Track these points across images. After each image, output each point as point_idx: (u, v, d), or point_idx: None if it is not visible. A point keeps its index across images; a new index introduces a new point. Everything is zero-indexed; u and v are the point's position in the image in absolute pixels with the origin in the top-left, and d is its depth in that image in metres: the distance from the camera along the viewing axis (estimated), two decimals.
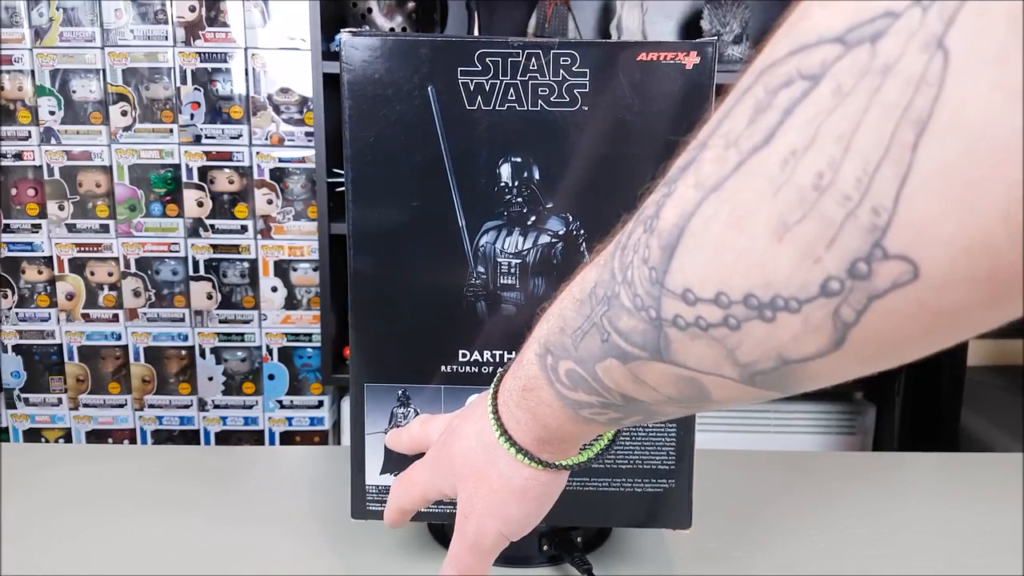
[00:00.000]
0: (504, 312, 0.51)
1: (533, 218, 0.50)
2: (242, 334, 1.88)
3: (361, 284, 0.51)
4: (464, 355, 0.52)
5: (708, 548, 0.61)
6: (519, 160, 0.49)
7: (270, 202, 1.83)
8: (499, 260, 0.50)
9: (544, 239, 0.50)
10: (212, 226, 1.84)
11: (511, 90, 0.48)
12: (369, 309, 0.52)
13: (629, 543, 0.62)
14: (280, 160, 1.82)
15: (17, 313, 1.87)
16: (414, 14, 1.76)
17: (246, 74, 1.79)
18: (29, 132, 1.80)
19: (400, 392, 0.53)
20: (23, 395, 1.91)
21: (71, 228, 1.83)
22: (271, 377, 1.90)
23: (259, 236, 1.85)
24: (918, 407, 1.80)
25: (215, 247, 1.84)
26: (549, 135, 0.49)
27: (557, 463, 0.39)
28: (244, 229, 1.84)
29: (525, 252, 0.50)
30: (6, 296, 1.87)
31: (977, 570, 0.60)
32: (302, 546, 0.61)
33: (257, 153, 1.81)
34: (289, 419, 1.92)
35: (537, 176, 0.50)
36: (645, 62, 0.48)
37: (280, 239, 1.84)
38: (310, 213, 1.83)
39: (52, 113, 1.79)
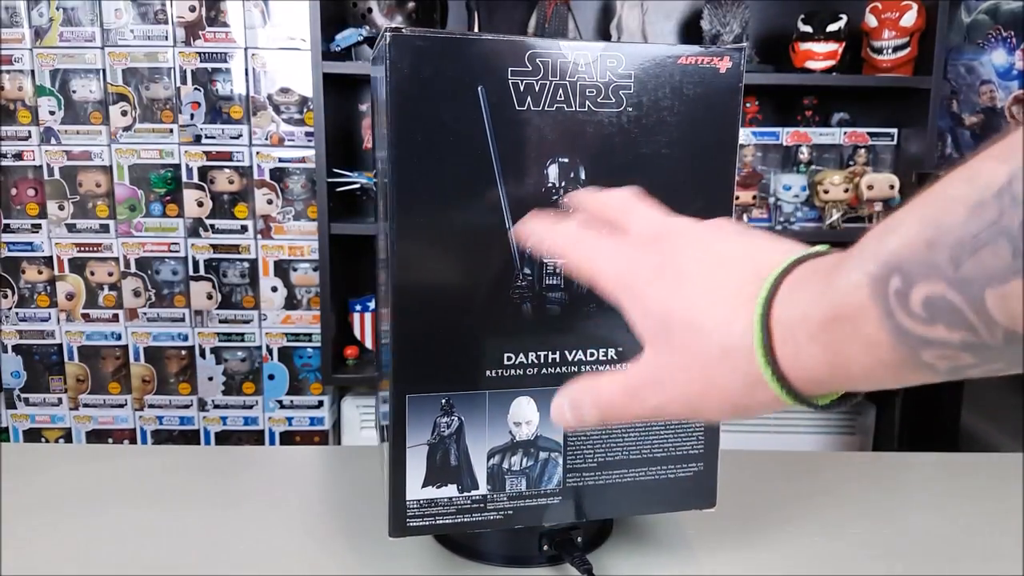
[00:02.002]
0: (549, 313, 0.51)
1: None
2: (242, 334, 1.88)
3: (404, 289, 0.50)
4: (509, 358, 0.52)
5: (708, 547, 0.61)
6: (566, 160, 0.49)
7: (270, 202, 1.83)
8: (545, 261, 0.50)
9: None
10: (212, 226, 1.84)
11: (560, 91, 0.48)
12: (413, 315, 0.50)
13: (628, 542, 0.62)
14: (280, 160, 1.82)
15: (17, 313, 1.87)
16: (414, 14, 1.76)
17: (246, 74, 1.79)
18: (29, 132, 1.79)
19: (444, 400, 0.52)
20: (23, 395, 1.90)
21: (71, 228, 1.83)
22: (271, 377, 1.90)
23: (259, 236, 1.85)
24: (918, 407, 1.80)
25: (215, 247, 1.84)
26: (595, 135, 0.49)
27: (810, 400, 0.31)
28: (244, 229, 1.84)
29: None
30: (6, 296, 1.86)
31: (977, 570, 0.60)
32: (302, 546, 0.61)
33: (257, 153, 1.81)
34: (289, 419, 1.92)
35: (583, 176, 0.50)
36: (685, 65, 0.50)
37: (280, 239, 1.84)
38: (310, 213, 1.83)
39: (52, 113, 1.79)
